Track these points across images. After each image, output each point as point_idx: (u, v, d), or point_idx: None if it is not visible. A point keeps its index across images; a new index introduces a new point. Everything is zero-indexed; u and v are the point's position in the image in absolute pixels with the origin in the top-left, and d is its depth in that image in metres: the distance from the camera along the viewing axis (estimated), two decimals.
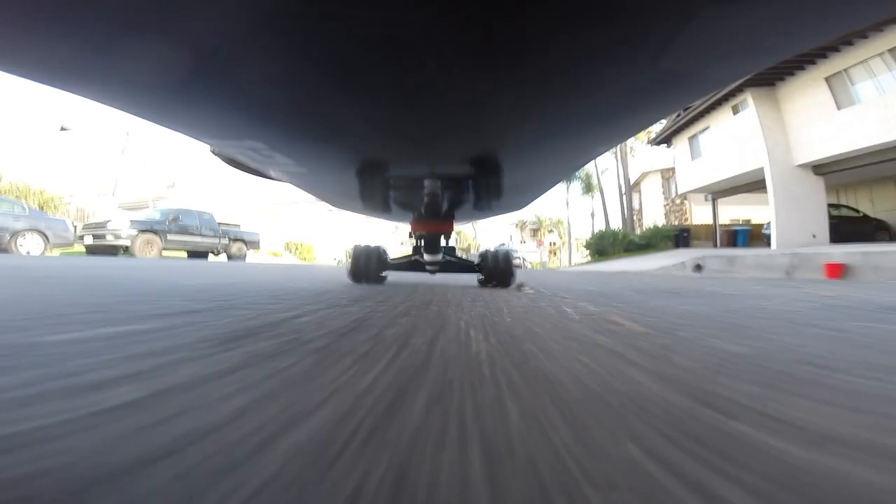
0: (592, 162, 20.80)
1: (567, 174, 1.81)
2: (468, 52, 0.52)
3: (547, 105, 0.73)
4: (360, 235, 22.79)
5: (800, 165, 10.69)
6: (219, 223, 11.20)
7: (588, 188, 24.48)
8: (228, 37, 0.50)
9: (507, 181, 1.21)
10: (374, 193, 1.21)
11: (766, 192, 11.24)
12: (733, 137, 12.31)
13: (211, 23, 0.47)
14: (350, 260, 2.17)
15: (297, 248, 25.10)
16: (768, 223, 12.30)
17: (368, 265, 2.15)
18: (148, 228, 9.34)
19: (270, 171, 1.30)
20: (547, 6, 0.43)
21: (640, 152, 21.33)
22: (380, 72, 0.58)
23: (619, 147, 20.14)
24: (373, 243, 2.26)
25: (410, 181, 1.44)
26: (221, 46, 0.52)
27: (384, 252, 2.22)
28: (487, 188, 1.22)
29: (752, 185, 12.52)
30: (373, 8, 0.43)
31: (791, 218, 10.54)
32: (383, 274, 2.23)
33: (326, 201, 2.01)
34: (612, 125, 0.89)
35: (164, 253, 10.60)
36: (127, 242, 8.91)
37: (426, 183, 1.48)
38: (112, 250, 9.00)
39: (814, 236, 10.41)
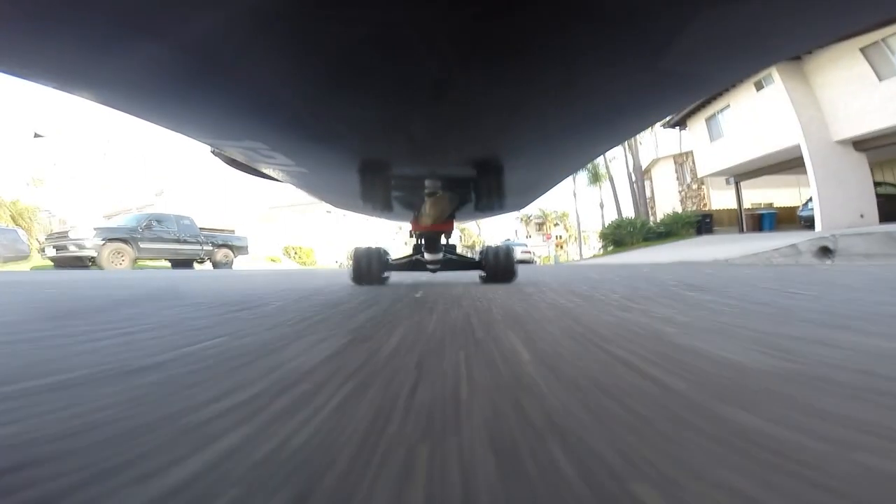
0: None
1: (568, 174, 1.62)
2: (468, 52, 0.52)
3: (547, 105, 0.72)
4: (362, 236, 22.04)
5: (839, 141, 9.64)
6: (201, 228, 10.19)
7: (595, 178, 23.48)
8: (228, 37, 0.50)
9: (509, 181, 1.20)
10: (375, 194, 1.20)
11: (796, 172, 10.22)
12: (758, 115, 11.23)
13: (211, 23, 0.47)
14: (352, 262, 2.11)
15: (296, 253, 24.14)
16: (805, 204, 11.26)
17: (370, 267, 2.07)
18: (117, 237, 8.35)
19: (271, 171, 1.28)
20: (547, 8, 0.43)
21: (647, 139, 20.23)
22: (380, 72, 0.58)
23: None
24: (374, 244, 2.18)
25: (412, 181, 1.40)
26: (221, 46, 0.52)
27: (385, 253, 2.16)
28: (489, 188, 1.21)
29: (783, 164, 11.45)
30: (373, 8, 0.43)
31: (835, 197, 9.49)
32: (385, 275, 2.16)
33: (327, 202, 2.01)
34: (613, 125, 0.88)
35: (141, 263, 9.66)
36: (93, 253, 7.92)
37: (427, 183, 1.45)
38: (78, 262, 8.01)
39: (862, 216, 9.36)
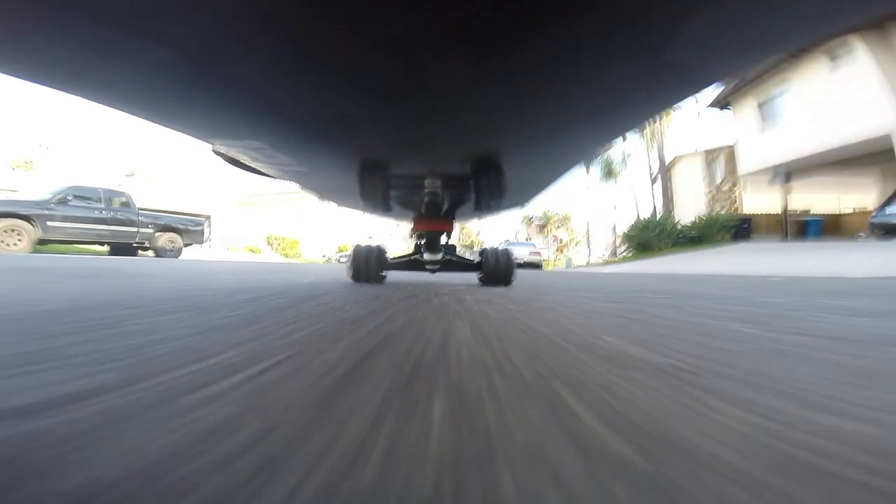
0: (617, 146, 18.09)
1: (568, 169, 1.47)
2: (467, 49, 0.52)
3: (547, 101, 0.72)
4: (355, 229, 19.98)
5: None
6: (140, 208, 8.09)
7: (609, 174, 21.56)
8: (228, 37, 0.49)
9: (508, 179, 1.22)
10: (375, 192, 1.22)
11: (873, 168, 8.32)
12: (832, 97, 9.31)
13: (211, 23, 0.46)
14: (350, 260, 2.03)
15: (279, 244, 22.05)
16: (882, 207, 9.33)
17: (368, 265, 2.01)
18: (12, 211, 6.25)
19: (272, 170, 1.29)
20: (546, 3, 0.43)
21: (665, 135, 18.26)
22: (379, 70, 0.58)
23: (649, 126, 17.22)
24: (373, 243, 2.17)
25: (411, 180, 1.44)
26: (221, 47, 0.52)
27: (384, 252, 2.11)
28: (488, 186, 1.22)
29: (862, 158, 9.53)
30: (372, 7, 0.43)
31: None
32: (383, 273, 2.10)
33: (329, 200, 2.05)
34: (612, 119, 0.88)
35: (62, 246, 7.56)
36: None
37: (427, 182, 1.47)
38: None
39: None
